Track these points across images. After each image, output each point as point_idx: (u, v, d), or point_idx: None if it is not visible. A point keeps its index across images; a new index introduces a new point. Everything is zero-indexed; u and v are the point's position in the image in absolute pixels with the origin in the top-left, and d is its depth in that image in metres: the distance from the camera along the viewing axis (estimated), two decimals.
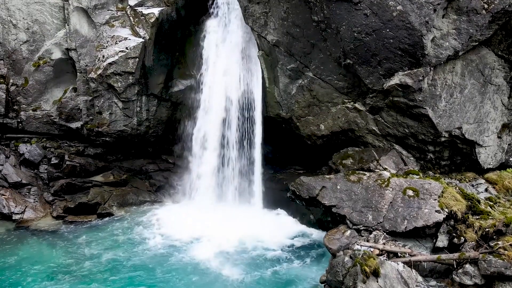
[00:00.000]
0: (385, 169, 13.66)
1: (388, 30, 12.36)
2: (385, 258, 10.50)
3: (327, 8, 13.16)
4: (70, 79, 18.29)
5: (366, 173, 13.49)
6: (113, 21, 17.40)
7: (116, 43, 16.95)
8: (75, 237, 15.19)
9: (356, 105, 14.47)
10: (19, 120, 18.40)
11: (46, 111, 18.30)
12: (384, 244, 11.02)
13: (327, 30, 13.65)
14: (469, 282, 9.93)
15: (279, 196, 16.64)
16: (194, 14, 18.20)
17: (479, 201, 12.02)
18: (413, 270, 10.38)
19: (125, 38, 16.97)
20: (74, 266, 13.12)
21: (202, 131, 18.08)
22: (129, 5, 17.56)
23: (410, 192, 12.09)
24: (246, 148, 17.81)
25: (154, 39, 17.13)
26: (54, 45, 17.89)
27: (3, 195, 16.58)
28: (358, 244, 11.02)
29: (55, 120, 18.26)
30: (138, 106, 17.60)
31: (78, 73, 17.71)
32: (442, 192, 11.90)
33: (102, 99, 17.35)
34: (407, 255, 10.68)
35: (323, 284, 10.91)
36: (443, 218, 11.32)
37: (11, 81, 18.30)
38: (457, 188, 12.69)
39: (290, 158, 18.02)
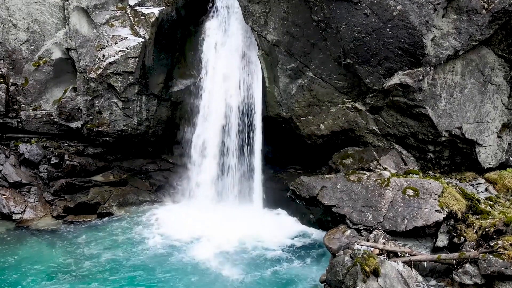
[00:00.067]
0: (385, 168, 13.66)
1: (388, 29, 12.36)
2: (385, 257, 10.49)
3: (327, 7, 13.16)
4: (70, 79, 18.28)
5: (366, 172, 13.49)
6: (113, 21, 17.39)
7: (116, 43, 16.94)
8: (75, 237, 15.19)
9: (356, 104, 14.47)
10: (19, 120, 18.40)
11: (46, 111, 18.30)
12: (384, 243, 11.02)
13: (327, 30, 13.65)
14: (469, 282, 9.92)
15: (279, 195, 16.63)
16: (194, 14, 18.20)
17: (479, 201, 12.02)
18: (413, 270, 10.37)
19: (125, 38, 16.96)
20: (74, 266, 13.12)
21: (201, 138, 17.95)
22: (129, 4, 17.55)
23: (410, 192, 12.09)
24: (246, 155, 17.68)
25: (154, 39, 17.13)
26: (54, 45, 17.88)
27: (3, 195, 16.58)
28: (358, 244, 11.02)
29: (55, 120, 18.25)
30: (138, 106, 17.59)
31: (78, 73, 17.70)
32: (442, 191, 11.90)
33: (102, 99, 17.34)
34: (407, 255, 10.68)
35: (323, 284, 10.91)
36: (443, 217, 11.33)
37: (11, 80, 18.29)
38: (457, 187, 12.70)
39: (290, 157, 18.02)
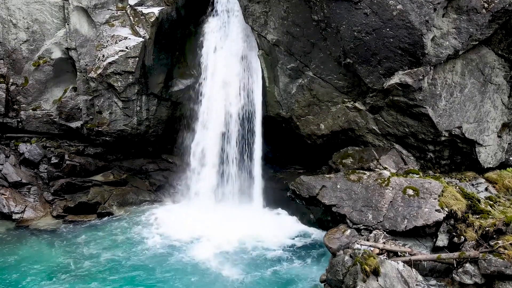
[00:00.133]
0: (385, 168, 13.65)
1: (388, 29, 12.35)
2: (385, 257, 10.49)
3: (327, 7, 13.16)
4: (70, 79, 18.28)
5: (366, 172, 13.49)
6: (113, 21, 17.39)
7: (116, 43, 16.93)
8: (75, 236, 15.19)
9: (356, 104, 14.47)
10: (19, 119, 18.39)
11: (46, 111, 18.29)
12: (384, 243, 11.02)
13: (327, 30, 13.65)
14: (469, 281, 9.92)
15: (279, 195, 16.62)
16: (194, 13, 18.19)
17: (479, 200, 12.02)
18: (413, 269, 10.37)
19: (125, 38, 16.95)
20: (73, 266, 13.12)
21: (200, 146, 17.87)
22: (129, 4, 17.54)
23: (410, 191, 12.08)
24: (246, 161, 17.57)
25: (154, 39, 17.12)
26: (54, 45, 17.88)
27: (3, 194, 16.58)
28: (358, 243, 11.02)
29: (55, 119, 18.25)
30: (138, 105, 17.59)
31: (78, 73, 17.70)
32: (442, 191, 11.90)
33: (102, 99, 17.34)
34: (407, 254, 10.68)
35: (323, 284, 10.91)
36: (443, 217, 11.32)
37: (11, 80, 18.29)
38: (457, 187, 12.70)
39: (290, 157, 18.01)
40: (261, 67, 16.13)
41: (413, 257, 10.54)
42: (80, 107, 17.89)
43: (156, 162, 19.51)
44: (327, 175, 13.83)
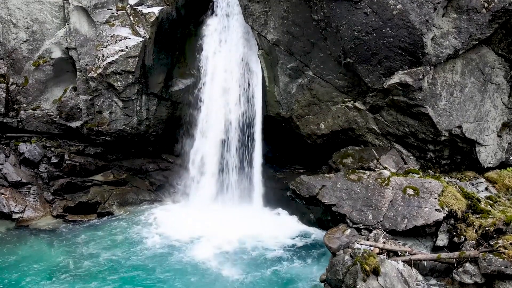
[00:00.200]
0: (385, 168, 13.65)
1: (388, 29, 12.35)
2: (385, 256, 10.48)
3: (327, 7, 13.16)
4: (70, 78, 18.28)
5: (366, 172, 13.48)
6: (113, 20, 17.38)
7: (116, 42, 16.93)
8: (75, 236, 15.19)
9: (356, 104, 14.46)
10: (19, 119, 18.39)
11: (46, 110, 18.29)
12: (384, 243, 11.01)
13: (327, 29, 13.64)
14: (469, 281, 9.91)
15: (279, 195, 16.62)
16: (194, 13, 18.18)
17: (479, 200, 12.02)
18: (413, 269, 10.36)
19: (125, 37, 16.95)
20: (73, 265, 13.12)
21: (199, 154, 17.87)
22: (129, 4, 17.54)
23: (410, 191, 12.07)
24: (247, 169, 17.50)
25: (154, 38, 17.12)
26: (54, 44, 17.88)
27: (3, 194, 16.58)
28: (358, 243, 11.02)
29: (55, 119, 18.25)
30: (138, 105, 17.58)
31: (78, 72, 17.70)
32: (442, 191, 11.90)
33: (102, 98, 17.33)
34: (407, 254, 10.68)
35: (323, 283, 10.90)
36: (443, 217, 11.32)
37: (11, 80, 18.28)
38: (457, 187, 12.70)
39: (290, 157, 18.00)
40: (261, 67, 16.13)
41: (413, 257, 10.54)
42: (80, 107, 17.89)
43: (156, 161, 19.51)
44: (327, 175, 13.83)
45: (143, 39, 16.82)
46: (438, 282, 10.51)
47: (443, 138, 13.75)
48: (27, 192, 17.26)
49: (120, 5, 17.57)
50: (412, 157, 14.46)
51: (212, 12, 18.07)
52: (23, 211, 16.50)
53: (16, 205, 16.52)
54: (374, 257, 9.94)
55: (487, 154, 14.33)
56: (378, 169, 13.56)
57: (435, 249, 11.28)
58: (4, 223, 16.03)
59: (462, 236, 10.92)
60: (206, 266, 13.07)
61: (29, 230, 15.69)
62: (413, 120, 13.67)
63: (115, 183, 18.44)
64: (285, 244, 14.51)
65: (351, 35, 12.94)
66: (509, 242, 9.69)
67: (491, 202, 12.31)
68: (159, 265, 13.10)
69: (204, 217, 16.13)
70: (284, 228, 15.57)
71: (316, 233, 15.15)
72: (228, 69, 17.25)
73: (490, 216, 11.15)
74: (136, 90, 17.21)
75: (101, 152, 18.78)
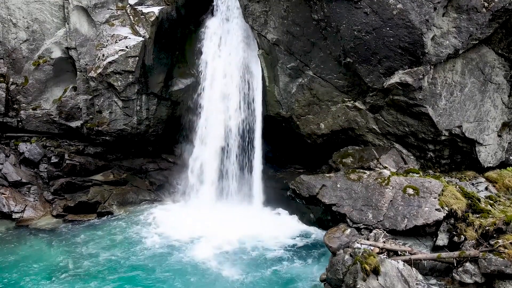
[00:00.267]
0: (385, 167, 13.64)
1: (388, 28, 12.35)
2: (385, 256, 10.48)
3: (327, 6, 13.15)
4: (70, 78, 18.28)
5: (366, 171, 13.47)
6: (113, 20, 17.38)
7: (116, 42, 16.93)
8: (75, 236, 15.18)
9: (356, 103, 14.46)
10: (19, 119, 18.39)
11: (46, 110, 18.29)
12: (384, 242, 11.00)
13: (327, 29, 13.64)
14: (469, 281, 9.91)
15: (279, 195, 16.62)
16: (194, 12, 18.19)
17: (479, 200, 12.01)
18: (413, 269, 10.35)
19: (125, 37, 16.95)
20: (73, 265, 13.11)
21: (198, 161, 17.83)
22: (129, 4, 17.54)
23: (410, 191, 12.07)
24: (247, 177, 17.46)
25: (154, 38, 17.12)
26: (54, 44, 17.88)
27: (3, 194, 16.57)
28: (358, 243, 11.00)
29: (55, 119, 18.25)
30: (138, 105, 17.58)
31: (78, 72, 17.70)
32: (442, 190, 11.90)
33: (102, 98, 17.33)
34: (407, 254, 10.67)
35: (323, 283, 10.90)
36: (443, 216, 11.31)
37: (11, 80, 18.28)
38: (457, 186, 12.70)
39: (290, 157, 18.00)
40: (261, 67, 16.13)
41: (413, 256, 10.53)
42: (80, 107, 17.89)
43: (156, 161, 19.51)
44: (327, 175, 13.82)
45: (143, 39, 16.81)
46: (438, 282, 10.51)
47: (443, 137, 13.75)
48: (27, 192, 17.26)
49: (120, 4, 17.57)
50: (412, 157, 14.45)
51: (212, 14, 18.06)
52: (23, 211, 16.49)
53: (16, 205, 16.52)
54: (374, 257, 9.94)
55: (487, 154, 14.32)
56: (378, 169, 13.55)
57: (435, 248, 11.28)
58: (4, 223, 16.03)
59: (462, 236, 10.91)
60: (206, 266, 13.05)
61: (29, 230, 15.69)
62: (413, 120, 13.67)
63: (115, 183, 18.44)
64: (285, 244, 14.50)
65: (351, 34, 12.94)
66: (509, 241, 9.69)
67: (491, 201, 12.31)
68: (158, 265, 13.09)
69: (204, 217, 16.12)
70: (284, 228, 15.57)
71: (316, 233, 15.14)
72: (228, 74, 17.19)
73: (490, 216, 11.15)
74: (136, 90, 17.21)
75: (101, 151, 18.78)
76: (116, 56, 16.60)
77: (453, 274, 10.17)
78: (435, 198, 11.70)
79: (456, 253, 10.30)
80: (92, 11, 17.33)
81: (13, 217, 16.24)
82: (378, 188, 12.55)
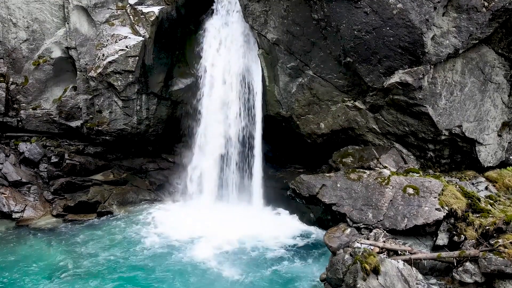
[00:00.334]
0: (385, 167, 13.64)
1: (388, 28, 12.35)
2: (385, 256, 10.47)
3: (327, 6, 13.15)
4: (70, 78, 18.27)
5: (366, 171, 13.47)
6: (113, 20, 17.38)
7: (116, 42, 16.93)
8: (75, 235, 15.18)
9: (356, 103, 14.45)
10: (19, 118, 18.38)
11: (46, 110, 18.29)
12: (384, 242, 11.00)
13: (327, 28, 13.64)
14: (469, 280, 9.91)
15: (279, 194, 16.62)
16: (194, 12, 18.18)
17: (479, 199, 12.01)
18: (413, 268, 10.36)
19: (125, 37, 16.95)
20: (73, 265, 13.09)
21: (198, 170, 17.79)
22: (129, 3, 17.54)
23: (410, 190, 12.07)
24: (247, 184, 17.41)
25: (154, 38, 17.11)
26: (54, 44, 17.87)
27: (3, 193, 16.56)
28: (358, 242, 11.00)
29: (55, 118, 18.25)
30: (138, 104, 17.57)
31: (78, 72, 17.69)
32: (442, 190, 11.90)
33: (102, 98, 17.33)
34: (407, 253, 10.67)
35: (323, 282, 10.90)
36: (443, 216, 11.31)
37: (11, 79, 18.28)
38: (457, 186, 12.70)
39: (290, 156, 18.00)
40: (261, 66, 16.13)
41: (413, 256, 10.53)
42: (80, 106, 17.89)
43: (156, 161, 19.51)
44: (327, 174, 13.82)
45: (143, 39, 16.81)
46: (438, 281, 10.51)
47: (443, 137, 13.75)
48: (27, 192, 17.25)
49: (120, 4, 17.56)
50: (412, 157, 14.45)
51: (212, 16, 18.03)
52: (23, 211, 16.49)
53: (16, 205, 16.51)
54: (374, 256, 9.94)
55: (487, 154, 14.32)
56: (378, 169, 13.55)
57: (435, 248, 11.28)
58: (4, 223, 16.02)
59: (462, 235, 10.91)
60: (206, 266, 13.04)
61: (29, 230, 15.68)
62: (413, 120, 13.66)
63: (115, 183, 18.44)
64: (285, 243, 14.49)
65: (351, 34, 12.93)
66: (509, 241, 9.69)
67: (491, 201, 12.31)
68: (158, 265, 13.07)
69: (204, 217, 16.12)
70: (284, 227, 15.57)
71: (316, 233, 15.14)
72: (228, 81, 17.14)
73: (490, 215, 11.15)
74: (136, 90, 17.21)
75: (101, 151, 18.77)
76: (116, 56, 16.60)
77: (453, 273, 10.17)
78: (435, 197, 11.70)
79: (456, 253, 10.30)
80: (92, 10, 17.32)
81: (13, 216, 16.22)
82: (378, 187, 12.55)
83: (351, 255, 10.14)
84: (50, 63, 17.98)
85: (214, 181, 17.58)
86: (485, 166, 14.37)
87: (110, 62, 16.60)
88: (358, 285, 9.58)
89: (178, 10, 17.69)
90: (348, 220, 12.38)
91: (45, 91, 18.34)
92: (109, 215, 16.93)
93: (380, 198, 12.25)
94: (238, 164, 17.37)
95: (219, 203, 17.62)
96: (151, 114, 18.01)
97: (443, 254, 10.49)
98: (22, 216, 16.35)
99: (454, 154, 14.38)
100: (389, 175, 12.87)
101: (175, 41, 18.04)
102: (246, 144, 17.11)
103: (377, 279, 9.66)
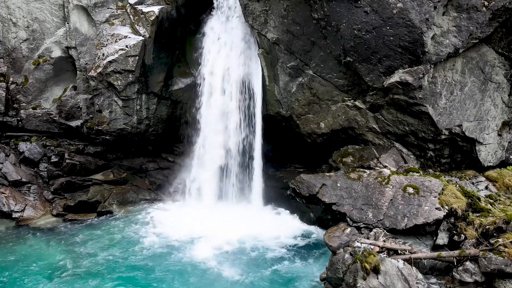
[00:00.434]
0: (385, 166, 13.63)
1: (388, 27, 12.34)
2: (385, 255, 10.46)
3: (327, 5, 13.15)
4: (70, 78, 18.28)
5: (366, 170, 13.47)
6: (113, 19, 17.38)
7: (116, 41, 16.92)
8: (75, 235, 15.17)
9: (356, 103, 14.45)
10: (19, 118, 18.39)
11: (46, 110, 18.29)
12: (384, 241, 10.99)
13: (327, 28, 13.63)
14: (469, 280, 9.91)
15: (279, 194, 16.61)
16: (194, 12, 18.18)
17: (479, 199, 12.00)
18: (413, 268, 10.35)
19: (125, 36, 16.94)
20: (72, 265, 13.08)
21: (196, 183, 17.76)
22: (129, 3, 17.53)
23: (410, 190, 12.06)
24: (246, 190, 17.39)
25: (154, 37, 17.11)
26: (54, 43, 17.88)
27: (3, 193, 16.56)
28: (358, 242, 10.99)
29: (55, 118, 18.25)
30: (138, 104, 17.57)
31: (78, 72, 17.69)
32: (442, 189, 11.90)
33: (102, 97, 17.33)
34: (407, 253, 10.66)
35: (323, 282, 10.90)
36: (443, 215, 11.31)
37: (11, 79, 18.28)
38: (458, 185, 12.69)
39: (290, 156, 17.99)
40: (261, 66, 16.12)
41: (413, 255, 10.52)
42: (80, 106, 17.89)
43: (156, 161, 19.50)
44: (327, 174, 13.82)
45: (143, 38, 16.81)
46: (438, 281, 10.50)
47: (443, 137, 13.74)
48: (27, 191, 17.25)
49: (120, 4, 17.57)
50: (412, 156, 14.45)
51: (212, 13, 18.05)
52: (23, 210, 16.49)
53: (16, 204, 16.51)
54: (374, 256, 9.93)
55: (487, 153, 14.31)
56: (378, 168, 13.55)
57: (435, 247, 11.27)
58: (4, 222, 16.01)
59: (462, 235, 10.91)
60: (206, 266, 13.02)
61: (28, 229, 15.67)
62: (413, 119, 13.66)
63: (115, 182, 18.44)
64: (285, 243, 14.48)
65: (351, 33, 12.93)
66: (509, 240, 9.68)
67: (491, 200, 12.30)
68: (158, 265, 13.06)
69: (203, 217, 16.11)
70: (284, 227, 15.55)
71: (317, 232, 15.14)
72: (228, 89, 17.09)
73: (490, 215, 11.15)
74: (136, 89, 17.20)
75: (101, 151, 18.78)
76: (116, 56, 16.60)
77: (453, 273, 10.17)
78: (435, 197, 11.69)
79: (456, 252, 10.29)
80: (92, 10, 17.33)
81: (13, 216, 16.22)
82: (378, 187, 12.55)
83: (351, 254, 10.14)
84: (50, 62, 17.99)
85: (213, 194, 17.57)
86: (485, 165, 14.36)
87: (110, 62, 16.60)
88: (358, 285, 9.58)
89: (178, 9, 17.69)
90: (348, 219, 12.37)
91: (45, 90, 18.34)
92: (109, 215, 16.93)
93: (380, 198, 12.25)
94: (238, 175, 17.31)
95: (219, 203, 17.61)
96: (151, 114, 18.01)
97: (443, 253, 10.48)
98: (22, 216, 16.35)
99: (454, 154, 14.38)
100: (389, 175, 12.86)
101: (175, 40, 18.04)
102: (246, 153, 17.06)
103: (377, 278, 9.66)
